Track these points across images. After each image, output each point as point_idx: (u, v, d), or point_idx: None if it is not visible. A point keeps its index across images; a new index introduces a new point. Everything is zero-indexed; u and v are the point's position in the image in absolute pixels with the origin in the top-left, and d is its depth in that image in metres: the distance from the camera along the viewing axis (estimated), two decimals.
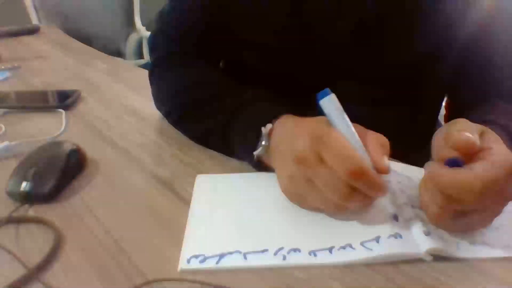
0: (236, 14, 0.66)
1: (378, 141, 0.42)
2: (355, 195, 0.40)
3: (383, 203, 0.42)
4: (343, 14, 0.60)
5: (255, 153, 0.49)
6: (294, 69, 0.66)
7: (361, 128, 0.44)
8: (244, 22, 0.66)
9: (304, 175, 0.41)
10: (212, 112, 0.58)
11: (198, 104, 0.60)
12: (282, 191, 0.45)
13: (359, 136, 0.42)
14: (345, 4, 0.59)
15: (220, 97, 0.59)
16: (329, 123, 0.42)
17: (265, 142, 0.49)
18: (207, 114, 0.58)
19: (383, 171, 0.40)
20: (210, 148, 0.59)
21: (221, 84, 0.63)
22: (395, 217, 0.43)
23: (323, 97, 0.42)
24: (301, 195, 0.43)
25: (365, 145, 0.42)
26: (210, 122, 0.57)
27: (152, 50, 0.72)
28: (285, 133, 0.47)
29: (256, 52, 0.70)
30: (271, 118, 0.50)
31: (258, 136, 0.49)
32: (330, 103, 0.42)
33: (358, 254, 0.39)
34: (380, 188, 0.40)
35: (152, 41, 0.72)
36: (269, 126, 0.49)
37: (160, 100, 0.68)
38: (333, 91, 0.65)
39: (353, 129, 0.42)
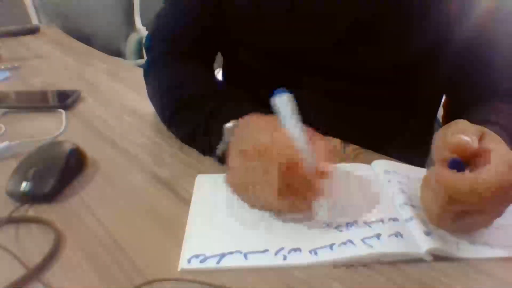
0: (232, 17, 0.67)
1: (327, 147, 0.44)
2: (291, 193, 0.41)
3: (319, 208, 0.42)
4: (338, 14, 0.60)
5: (218, 146, 0.51)
6: (288, 69, 0.66)
7: (313, 133, 0.45)
8: (241, 24, 0.67)
9: (246, 167, 0.42)
10: (191, 114, 0.58)
11: (179, 105, 0.61)
12: (228, 182, 0.46)
13: (311, 140, 0.43)
14: (341, 4, 0.59)
15: (201, 97, 0.59)
16: (280, 122, 0.44)
17: (227, 139, 0.50)
18: (188, 116, 0.59)
19: (323, 175, 0.41)
20: (194, 148, 0.59)
21: (204, 85, 0.64)
22: (328, 225, 0.42)
23: (278, 96, 0.44)
24: (243, 187, 0.44)
25: (313, 149, 0.43)
26: (192, 123, 0.58)
27: (147, 50, 0.73)
28: (242, 130, 0.48)
29: (252, 52, 0.70)
30: (238, 117, 0.51)
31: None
32: (283, 102, 0.43)
33: (359, 251, 0.39)
34: (314, 189, 0.40)
35: (147, 42, 0.73)
36: (230, 124, 0.50)
37: (151, 100, 0.69)
38: (329, 90, 0.66)
39: (301, 130, 0.43)
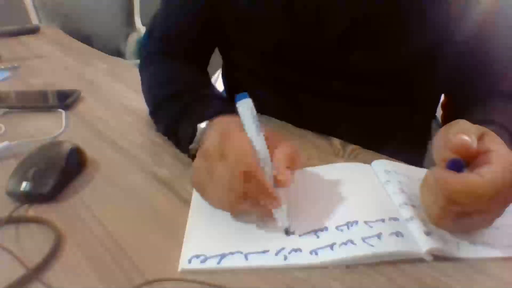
0: (227, 16, 0.67)
1: (287, 153, 0.43)
2: (247, 198, 0.41)
3: (277, 215, 0.42)
4: (334, 15, 0.60)
5: (190, 146, 0.52)
6: (286, 70, 0.67)
7: (278, 138, 0.45)
8: (235, 24, 0.67)
9: (206, 168, 0.43)
10: (166, 112, 0.60)
11: (158, 103, 0.63)
12: (191, 181, 0.46)
13: (273, 145, 0.43)
14: (337, 5, 0.59)
15: (176, 96, 0.60)
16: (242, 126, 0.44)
17: (198, 138, 0.51)
18: (163, 114, 0.61)
19: (280, 182, 0.41)
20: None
21: (185, 83, 0.64)
22: (287, 232, 0.42)
23: (240, 100, 0.44)
24: (203, 187, 0.44)
25: (273, 155, 0.43)
26: (167, 119, 0.60)
27: (143, 48, 0.75)
28: (209, 131, 0.48)
29: (248, 53, 0.70)
30: (210, 117, 0.51)
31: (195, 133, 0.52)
32: (244, 107, 0.44)
33: (360, 250, 0.39)
34: (270, 197, 0.40)
35: (144, 40, 0.75)
36: (203, 124, 0.50)
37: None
38: (326, 90, 0.66)
39: (261, 135, 0.43)
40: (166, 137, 0.62)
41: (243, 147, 0.41)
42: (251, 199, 0.41)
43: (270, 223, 0.43)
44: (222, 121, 0.49)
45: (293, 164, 0.43)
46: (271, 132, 0.45)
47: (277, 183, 0.42)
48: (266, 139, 0.43)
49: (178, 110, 0.57)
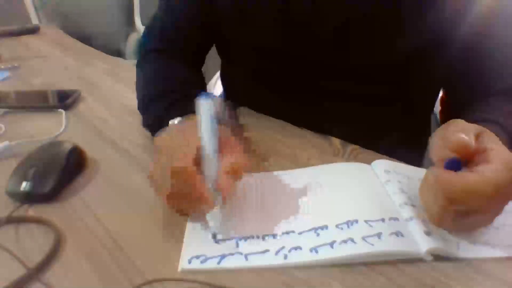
0: (223, 15, 0.67)
1: (232, 162, 0.43)
2: (179, 199, 0.41)
3: (209, 217, 0.42)
4: (329, 13, 0.60)
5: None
6: (282, 69, 0.67)
7: (234, 144, 0.45)
8: (231, 23, 0.68)
9: (155, 162, 0.44)
10: (156, 107, 0.60)
11: (151, 99, 0.63)
12: None
13: (224, 150, 0.44)
14: (331, 4, 0.59)
15: (164, 93, 0.61)
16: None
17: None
18: (153, 109, 0.61)
19: (218, 187, 0.41)
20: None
21: (175, 81, 0.65)
22: (214, 236, 0.41)
23: (200, 100, 0.44)
24: (153, 180, 0.45)
25: (222, 160, 0.43)
26: (154, 115, 0.60)
27: (141, 46, 0.76)
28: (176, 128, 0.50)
29: (244, 52, 0.71)
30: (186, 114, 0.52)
31: None
32: (203, 107, 0.43)
33: (360, 249, 0.39)
34: (202, 198, 0.40)
35: (143, 38, 0.76)
36: (175, 121, 0.51)
37: None
38: (320, 89, 0.66)
39: (214, 137, 0.43)
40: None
41: (187, 145, 0.42)
42: (182, 199, 0.42)
43: (269, 223, 0.43)
44: (188, 119, 0.49)
45: (235, 173, 0.43)
46: (229, 137, 0.45)
47: (214, 188, 0.42)
48: (223, 142, 0.44)
49: (165, 107, 0.58)
